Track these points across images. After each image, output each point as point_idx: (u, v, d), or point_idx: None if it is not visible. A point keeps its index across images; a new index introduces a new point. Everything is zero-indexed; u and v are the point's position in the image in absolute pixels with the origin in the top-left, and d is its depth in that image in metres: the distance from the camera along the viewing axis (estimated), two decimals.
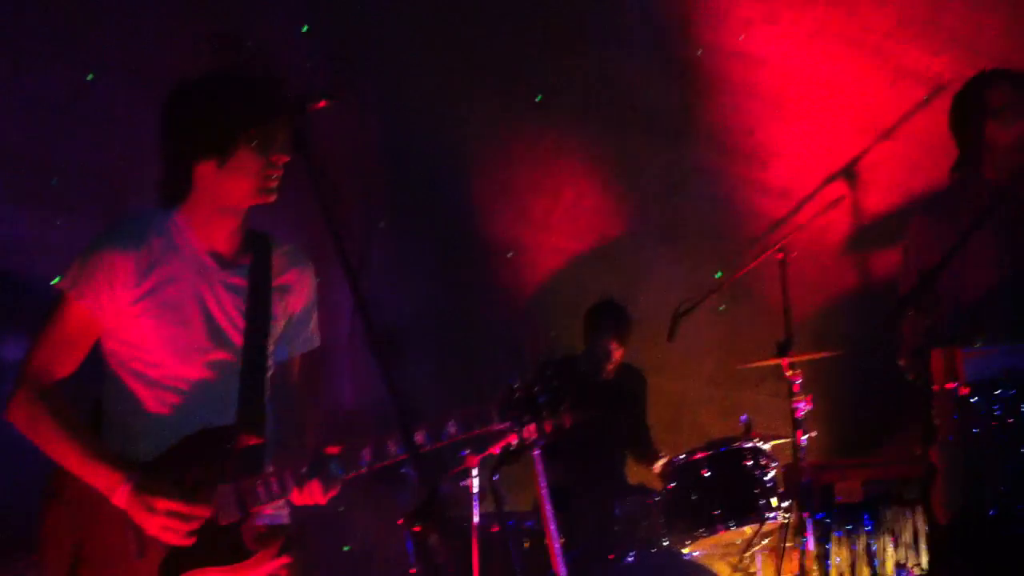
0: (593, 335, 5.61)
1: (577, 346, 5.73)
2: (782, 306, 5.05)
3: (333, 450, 2.71)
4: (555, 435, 2.85)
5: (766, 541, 5.07)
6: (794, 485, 4.73)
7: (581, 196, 6.19)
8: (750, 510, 4.79)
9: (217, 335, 2.80)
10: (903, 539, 4.65)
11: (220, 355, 2.80)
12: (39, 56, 4.81)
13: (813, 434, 4.85)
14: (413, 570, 4.63)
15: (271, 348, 2.90)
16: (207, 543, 2.68)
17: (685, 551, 4.90)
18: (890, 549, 4.64)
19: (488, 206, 5.99)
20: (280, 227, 3.09)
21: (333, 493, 2.73)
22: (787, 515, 4.83)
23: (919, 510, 4.59)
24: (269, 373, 2.90)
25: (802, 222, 5.72)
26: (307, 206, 2.42)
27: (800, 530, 4.67)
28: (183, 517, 2.65)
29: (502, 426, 2.77)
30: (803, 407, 4.75)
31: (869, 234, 6.50)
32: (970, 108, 3.80)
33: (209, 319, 2.80)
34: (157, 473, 2.68)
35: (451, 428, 2.68)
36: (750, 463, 4.86)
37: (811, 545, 4.61)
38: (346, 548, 5.41)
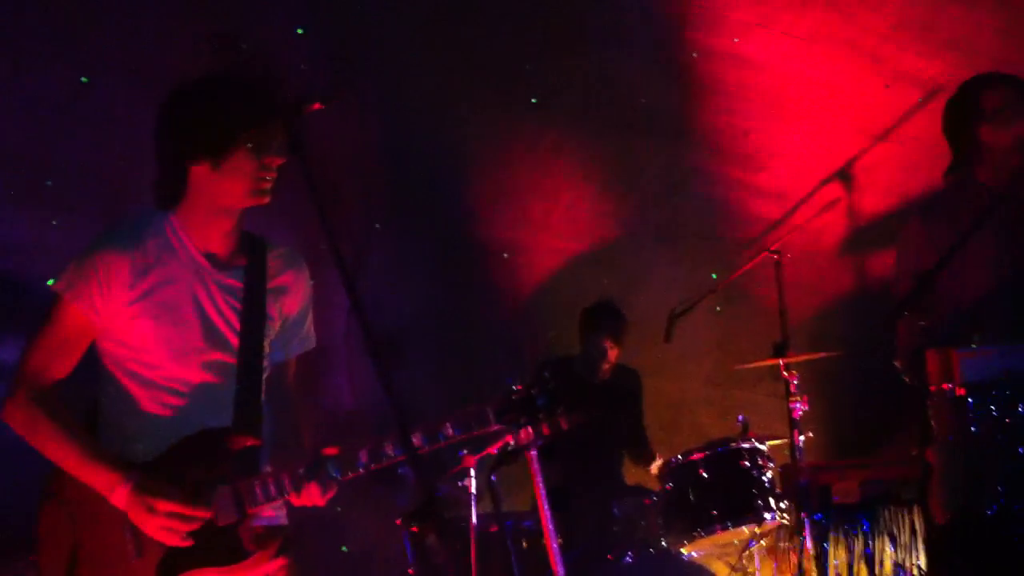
0: (589, 335, 5.62)
1: (575, 347, 5.74)
2: (778, 307, 5.06)
3: (331, 451, 2.72)
4: (553, 436, 2.86)
5: (764, 542, 5.07)
6: (792, 486, 4.74)
7: (579, 197, 6.20)
8: (748, 510, 4.80)
9: (213, 336, 2.81)
10: (901, 540, 4.66)
11: (216, 356, 2.81)
12: (38, 56, 4.81)
13: (810, 435, 4.86)
14: (411, 570, 4.64)
15: (267, 349, 2.90)
16: (205, 544, 2.68)
17: (683, 551, 4.91)
18: (888, 550, 4.65)
19: (487, 207, 5.99)
20: (277, 228, 3.09)
21: (331, 494, 2.73)
22: (785, 516, 4.83)
23: (917, 510, 4.60)
24: (265, 374, 2.90)
25: (798, 224, 5.74)
26: (304, 207, 2.42)
27: (798, 531, 4.68)
28: (183, 518, 2.65)
29: (499, 428, 2.77)
30: (800, 408, 4.76)
31: (865, 236, 6.51)
32: (964, 112, 3.79)
33: (205, 320, 2.80)
34: (156, 474, 2.68)
35: (448, 430, 2.68)
36: (748, 464, 4.87)
37: (809, 546, 4.62)
38: (344, 549, 5.41)
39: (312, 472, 2.69)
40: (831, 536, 4.71)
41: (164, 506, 2.63)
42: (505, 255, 6.09)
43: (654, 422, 5.92)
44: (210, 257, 2.84)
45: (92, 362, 2.85)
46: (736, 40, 6.10)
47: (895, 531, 4.68)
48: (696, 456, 4.91)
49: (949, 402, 3.51)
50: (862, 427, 6.33)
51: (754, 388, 6.34)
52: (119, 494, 2.65)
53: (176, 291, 2.78)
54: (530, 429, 2.77)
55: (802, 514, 4.65)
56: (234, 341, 2.83)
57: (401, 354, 5.50)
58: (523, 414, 2.73)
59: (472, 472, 4.51)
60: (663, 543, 4.88)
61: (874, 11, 6.05)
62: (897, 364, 3.77)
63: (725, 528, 4.81)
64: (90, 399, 2.88)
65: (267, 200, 2.81)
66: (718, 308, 6.32)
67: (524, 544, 4.62)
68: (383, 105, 5.60)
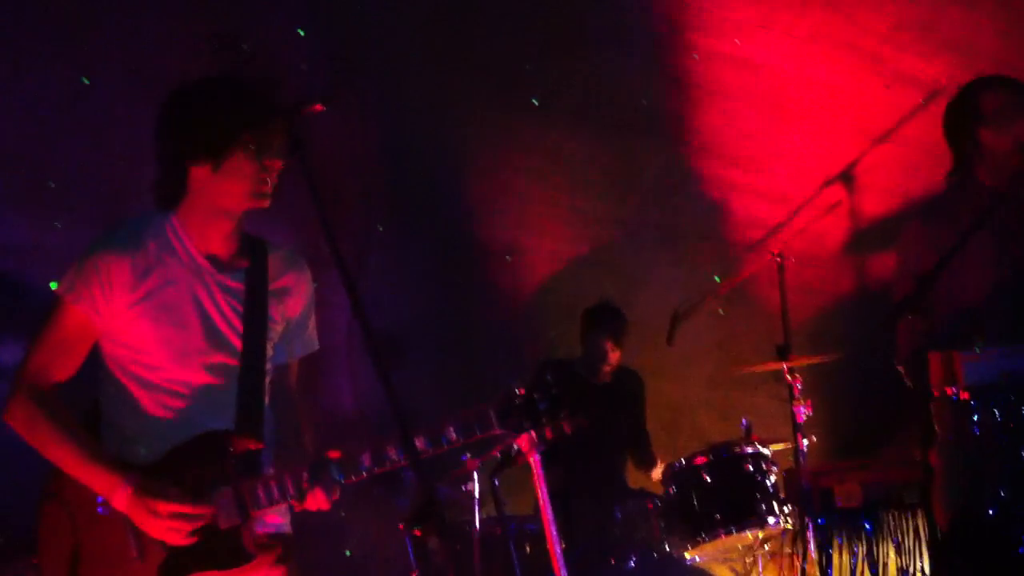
0: (589, 336, 5.62)
1: (576, 348, 5.73)
2: (780, 310, 5.06)
3: (333, 454, 2.71)
4: (555, 440, 2.85)
5: (767, 546, 5.06)
6: (795, 490, 4.73)
7: (580, 198, 6.19)
8: (751, 515, 4.79)
9: (214, 337, 2.80)
10: (904, 543, 4.65)
11: (218, 358, 2.80)
12: (38, 56, 4.80)
13: (813, 439, 4.85)
14: (414, 573, 4.63)
15: (269, 352, 2.90)
16: (207, 546, 2.68)
17: (686, 555, 4.89)
18: (892, 554, 4.64)
19: (487, 207, 5.99)
20: (278, 229, 3.09)
21: (336, 497, 2.73)
22: (788, 520, 4.82)
23: (920, 514, 4.59)
24: (268, 377, 2.89)
25: (800, 226, 5.73)
26: (304, 208, 2.41)
27: (801, 535, 4.67)
28: (186, 517, 2.65)
29: (502, 432, 2.76)
30: (804, 412, 4.75)
31: (867, 238, 6.50)
32: (964, 114, 3.80)
33: (206, 321, 2.80)
34: (156, 476, 2.68)
35: (452, 434, 2.67)
36: (751, 468, 4.86)
37: (812, 550, 4.61)
38: (347, 552, 5.40)
39: (316, 477, 2.69)
40: (834, 540, 4.71)
41: (165, 507, 2.63)
42: (506, 256, 6.08)
43: (655, 424, 5.91)
44: (211, 259, 2.84)
45: (93, 363, 2.84)
46: (737, 42, 6.10)
47: (898, 534, 4.67)
48: (699, 460, 4.90)
49: (952, 405, 3.52)
50: (864, 429, 6.32)
51: (756, 391, 6.33)
52: (119, 497, 2.64)
53: (177, 292, 2.78)
54: (533, 433, 2.75)
55: (805, 518, 4.64)
56: (236, 343, 2.83)
57: (401, 354, 5.49)
58: (526, 418, 2.72)
59: (475, 475, 4.51)
60: (666, 547, 4.87)
61: (874, 12, 6.05)
62: (900, 369, 3.77)
63: (728, 532, 4.79)
64: (91, 400, 2.88)
65: (267, 203, 2.81)
66: (721, 311, 6.32)
67: (527, 547, 4.61)
68: (383, 105, 5.59)
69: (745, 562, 5.13)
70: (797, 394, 4.78)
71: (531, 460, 3.08)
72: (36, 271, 4.58)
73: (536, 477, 3.11)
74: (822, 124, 6.35)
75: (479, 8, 5.63)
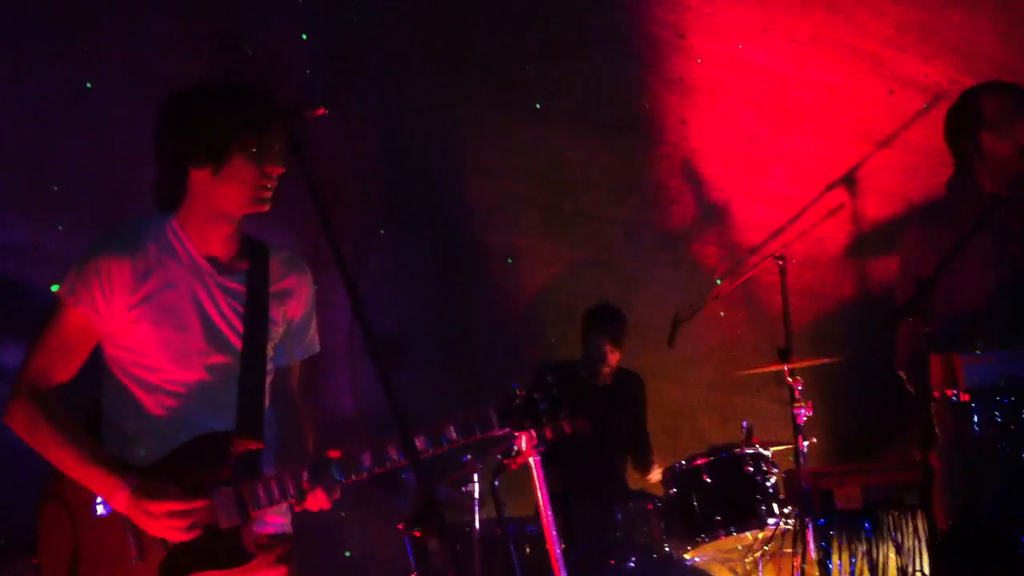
0: (589, 337, 5.61)
1: (576, 350, 5.73)
2: (782, 313, 5.06)
3: (333, 454, 2.71)
4: (556, 440, 2.85)
5: (767, 547, 5.06)
6: (795, 491, 4.73)
7: (580, 200, 6.19)
8: (751, 516, 4.79)
9: (215, 338, 2.80)
10: (904, 544, 4.65)
11: (219, 359, 2.80)
12: (39, 57, 4.80)
13: (813, 440, 4.85)
14: (413, 574, 4.62)
15: (270, 353, 2.89)
16: (207, 546, 2.68)
17: (686, 556, 4.89)
18: (892, 554, 4.64)
19: (487, 208, 5.98)
20: (278, 230, 3.09)
21: (337, 496, 2.73)
22: (788, 521, 4.82)
23: (920, 515, 4.59)
24: (269, 378, 2.89)
25: (802, 229, 5.73)
26: (305, 209, 2.41)
27: (801, 536, 4.67)
28: (182, 514, 2.64)
29: (502, 432, 2.76)
30: (804, 413, 4.75)
31: (868, 241, 6.51)
32: (965, 119, 3.80)
33: (207, 322, 2.80)
34: (156, 477, 2.68)
35: (452, 434, 2.68)
36: (751, 469, 4.86)
37: (812, 551, 4.60)
38: (347, 553, 5.40)
39: (316, 477, 2.69)
40: (834, 541, 4.70)
41: (159, 508, 2.63)
42: (506, 258, 6.08)
43: (656, 427, 5.90)
44: (212, 260, 2.84)
45: (94, 365, 2.84)
46: (739, 45, 6.11)
47: (898, 536, 4.67)
48: (699, 461, 4.90)
49: (952, 407, 3.52)
50: (864, 432, 6.32)
51: (757, 393, 6.33)
52: (119, 498, 2.65)
53: (177, 294, 2.78)
54: (533, 433, 2.76)
55: (805, 519, 4.64)
56: (237, 344, 2.82)
57: (402, 355, 5.48)
58: (526, 418, 2.72)
59: (475, 477, 4.50)
60: (666, 548, 4.87)
61: (875, 15, 6.07)
62: (901, 374, 3.77)
63: (728, 533, 4.79)
64: (91, 401, 2.88)
65: (267, 208, 2.81)
66: (722, 313, 6.31)
67: (527, 549, 4.60)
68: (383, 105, 5.59)
69: (745, 563, 5.12)
70: (797, 396, 4.78)
71: (531, 461, 3.07)
72: (36, 272, 4.57)
73: (536, 478, 3.11)
74: (823, 126, 6.36)
75: (479, 8, 5.64)
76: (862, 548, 4.68)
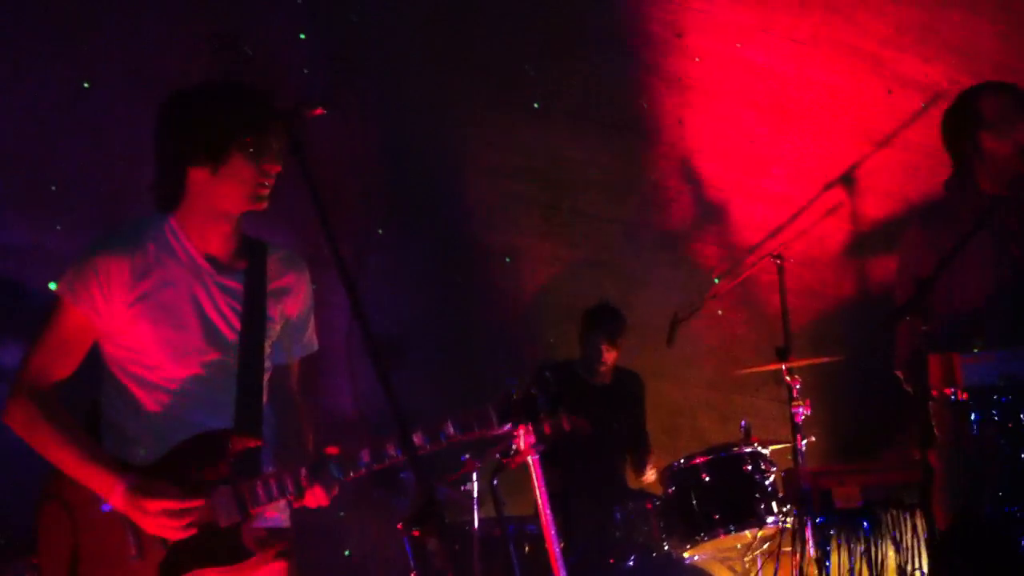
0: (586, 336, 5.62)
1: (576, 351, 5.74)
2: (780, 312, 5.06)
3: (332, 450, 2.73)
4: (554, 437, 2.86)
5: (766, 546, 5.06)
6: (794, 490, 4.73)
7: (580, 200, 6.19)
8: (750, 514, 4.80)
9: (213, 336, 2.81)
10: (903, 543, 4.65)
11: (217, 356, 2.81)
12: (39, 57, 4.81)
13: (812, 439, 4.85)
14: (413, 574, 4.63)
15: (268, 350, 2.90)
16: (207, 544, 2.69)
17: (685, 555, 4.90)
18: (891, 553, 4.64)
19: (487, 208, 5.99)
20: (277, 229, 3.09)
21: (335, 492, 2.74)
22: (786, 519, 4.82)
23: (918, 514, 4.59)
24: (267, 376, 2.90)
25: (801, 229, 5.73)
26: (304, 208, 2.42)
27: (799, 534, 4.67)
28: (177, 513, 2.65)
29: (500, 431, 2.77)
30: (802, 412, 4.75)
31: (867, 240, 6.51)
32: (964, 120, 3.79)
33: (205, 321, 2.81)
34: (154, 475, 2.68)
35: (449, 429, 2.70)
36: (750, 468, 4.87)
37: (810, 549, 4.60)
38: (347, 553, 5.40)
39: (315, 474, 2.70)
40: (833, 540, 4.70)
41: (154, 505, 2.64)
42: (505, 257, 6.08)
43: (655, 426, 5.90)
44: (210, 259, 2.85)
45: (93, 364, 2.85)
46: (738, 44, 6.11)
47: (897, 534, 4.67)
48: (698, 460, 4.91)
49: (951, 406, 3.52)
50: (864, 431, 6.32)
51: (756, 393, 6.33)
52: (116, 496, 2.65)
53: (175, 293, 2.79)
54: (531, 428, 2.77)
55: (804, 517, 4.64)
56: (234, 342, 2.84)
57: (401, 355, 5.48)
58: (524, 414, 2.73)
59: (474, 476, 4.51)
60: (665, 547, 4.87)
61: (875, 15, 6.06)
62: (899, 375, 3.77)
63: (727, 532, 4.80)
64: (91, 401, 2.88)
65: (265, 206, 2.82)
66: (720, 312, 6.31)
67: (526, 548, 4.61)
68: (383, 105, 5.59)
69: (744, 561, 5.13)
70: (796, 394, 4.78)
71: (530, 460, 3.08)
72: (36, 272, 4.58)
73: (535, 478, 3.11)
74: (822, 126, 6.35)
75: (479, 8, 5.64)
76: (860, 547, 4.67)
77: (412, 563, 4.64)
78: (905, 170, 6.34)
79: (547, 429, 2.77)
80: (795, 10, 6.08)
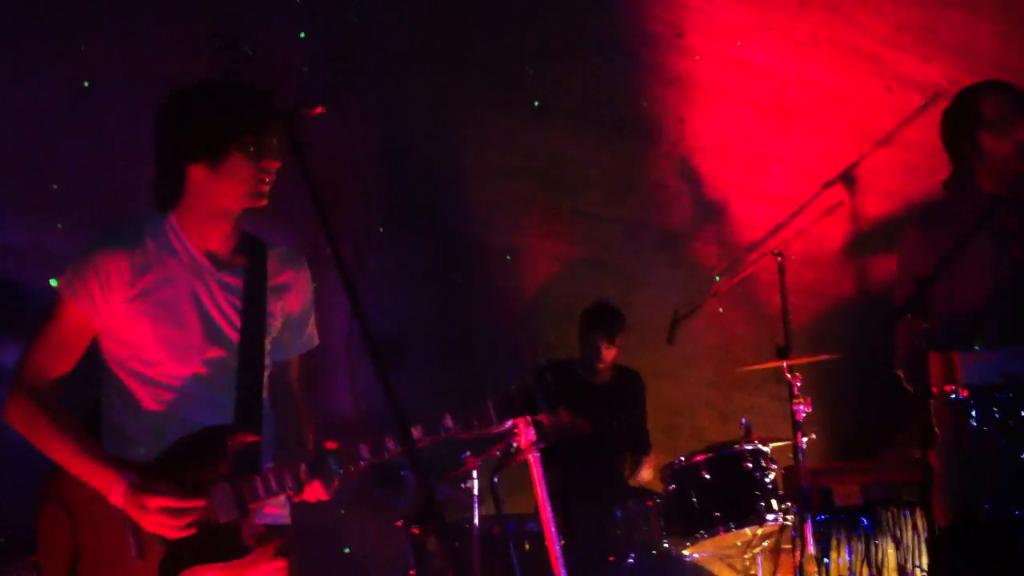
0: (584, 335, 5.63)
1: (576, 351, 5.74)
2: (781, 310, 5.06)
3: (331, 445, 2.73)
4: (555, 437, 2.86)
5: (766, 543, 5.07)
6: (794, 488, 4.74)
7: (580, 200, 6.19)
8: (750, 512, 4.80)
9: (213, 333, 2.81)
10: (903, 541, 4.65)
11: (217, 353, 2.81)
12: (39, 56, 4.81)
13: (812, 437, 4.86)
14: (412, 572, 4.63)
15: (268, 347, 2.91)
16: (206, 540, 2.69)
17: (685, 553, 4.90)
18: (891, 552, 4.64)
19: (487, 208, 5.99)
20: (277, 229, 3.09)
21: (335, 487, 2.75)
22: (787, 517, 4.83)
23: (918, 512, 4.59)
24: (267, 372, 2.91)
25: (800, 227, 5.73)
26: (304, 208, 2.42)
27: (799, 532, 4.68)
28: (176, 512, 2.65)
29: (500, 427, 2.78)
30: (803, 410, 4.76)
31: (867, 239, 6.52)
32: (964, 120, 3.77)
33: (205, 317, 2.81)
34: (154, 473, 2.69)
35: (448, 422, 2.71)
36: (750, 465, 4.87)
37: (810, 547, 4.61)
38: (346, 551, 5.40)
39: (314, 469, 2.71)
40: (833, 537, 4.70)
41: (155, 503, 2.64)
42: (506, 257, 6.09)
43: (656, 425, 5.91)
44: (210, 256, 2.85)
45: (93, 365, 2.85)
46: (738, 43, 6.11)
47: (896, 532, 4.67)
48: (699, 458, 4.91)
49: (950, 405, 3.52)
50: (864, 430, 6.32)
51: (756, 391, 6.33)
52: (115, 494, 2.66)
53: (175, 290, 2.79)
54: (529, 419, 2.78)
55: (804, 515, 4.64)
56: (234, 339, 2.84)
57: (401, 355, 5.49)
58: (523, 407, 2.74)
59: (475, 474, 4.51)
60: (665, 545, 4.87)
61: (875, 15, 6.07)
62: (900, 373, 3.77)
63: (727, 530, 4.80)
64: (91, 402, 2.89)
65: (265, 202, 2.83)
66: (720, 310, 6.32)
67: (526, 546, 4.61)
68: (383, 106, 5.59)
69: (744, 559, 5.13)
70: (796, 392, 4.79)
71: (530, 458, 3.08)
72: (35, 272, 4.58)
73: (535, 476, 3.11)
74: (822, 126, 6.36)
75: (479, 8, 5.64)
76: (860, 545, 4.68)
77: (411, 562, 4.64)
78: (905, 169, 6.34)
79: (546, 421, 2.78)
80: (795, 10, 6.08)
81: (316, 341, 3.06)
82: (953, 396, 3.47)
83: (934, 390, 3.49)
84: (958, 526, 3.49)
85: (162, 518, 2.64)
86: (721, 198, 6.41)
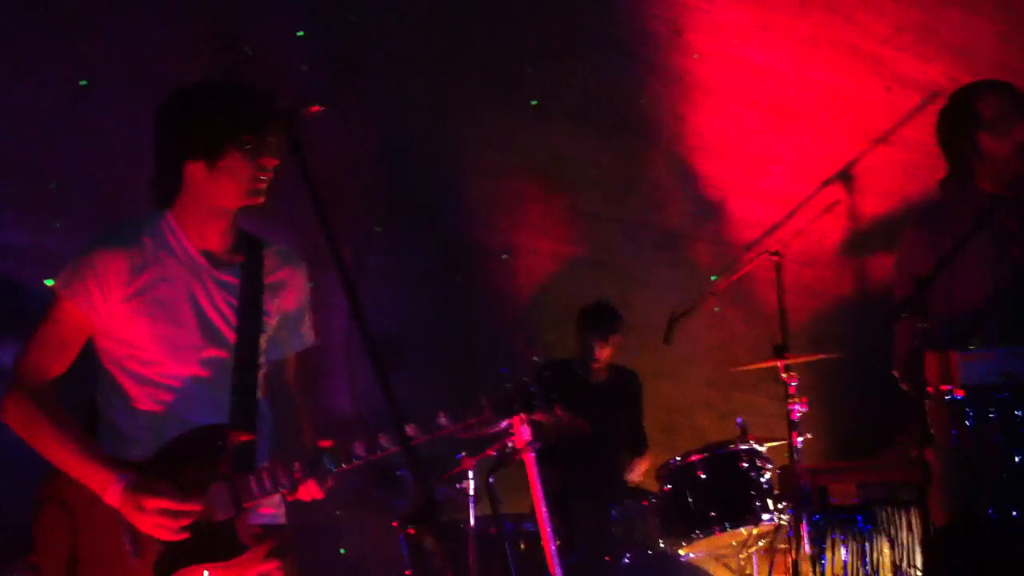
0: (580, 334, 5.64)
1: (574, 350, 5.75)
2: (778, 309, 5.06)
3: (325, 443, 2.73)
4: (556, 437, 2.87)
5: (762, 543, 5.07)
6: (790, 487, 4.74)
7: (579, 200, 6.19)
8: (746, 512, 4.81)
9: (210, 332, 2.82)
10: (899, 540, 4.65)
11: (213, 352, 2.82)
12: (39, 56, 4.81)
13: (808, 436, 4.86)
14: (408, 572, 4.63)
15: (263, 346, 2.91)
16: (202, 540, 2.69)
17: (681, 553, 4.90)
18: (887, 551, 4.64)
19: (486, 208, 5.99)
20: (276, 229, 3.10)
21: (330, 485, 2.75)
22: (783, 517, 4.83)
23: (914, 511, 4.59)
24: (263, 371, 2.91)
25: (799, 227, 5.73)
26: (303, 208, 2.42)
27: (795, 532, 4.68)
28: (173, 514, 2.66)
29: (497, 426, 2.78)
30: (799, 410, 4.76)
31: (865, 238, 6.51)
32: (962, 120, 3.76)
33: (202, 317, 2.82)
34: (150, 472, 2.69)
35: (442, 419, 2.72)
36: (746, 465, 4.88)
37: (806, 547, 4.61)
38: (342, 551, 5.40)
39: (308, 466, 2.71)
40: (829, 537, 4.70)
41: (152, 503, 2.64)
42: (504, 257, 6.09)
43: (653, 425, 5.91)
44: (207, 255, 2.86)
45: (91, 364, 2.85)
46: (737, 43, 6.10)
47: (893, 531, 4.67)
48: (694, 457, 4.92)
49: (948, 404, 3.51)
50: (861, 429, 6.32)
51: (754, 390, 6.33)
52: (112, 493, 2.66)
53: (172, 289, 2.80)
54: (527, 423, 2.78)
55: (800, 515, 4.64)
56: (231, 337, 2.85)
57: (400, 355, 5.50)
58: (519, 404, 2.75)
59: (471, 474, 4.51)
60: (661, 545, 4.88)
61: (875, 14, 6.05)
62: (895, 374, 3.77)
63: (723, 529, 4.81)
64: (89, 402, 2.89)
65: (262, 200, 2.83)
66: (717, 309, 6.32)
67: (522, 546, 4.62)
68: (383, 106, 5.59)
69: (739, 558, 5.14)
70: (792, 392, 4.79)
71: (526, 458, 3.08)
72: (35, 272, 4.58)
73: (532, 476, 3.11)
74: (822, 125, 6.35)
75: (479, 8, 5.64)
76: (856, 544, 4.68)
77: (408, 562, 4.64)
78: (904, 169, 6.33)
79: (544, 419, 2.78)
80: (795, 10, 6.07)
81: (312, 340, 3.06)
82: (949, 396, 3.47)
83: (929, 390, 3.50)
84: (955, 525, 3.49)
85: (160, 519, 2.65)
86: (720, 197, 6.41)
